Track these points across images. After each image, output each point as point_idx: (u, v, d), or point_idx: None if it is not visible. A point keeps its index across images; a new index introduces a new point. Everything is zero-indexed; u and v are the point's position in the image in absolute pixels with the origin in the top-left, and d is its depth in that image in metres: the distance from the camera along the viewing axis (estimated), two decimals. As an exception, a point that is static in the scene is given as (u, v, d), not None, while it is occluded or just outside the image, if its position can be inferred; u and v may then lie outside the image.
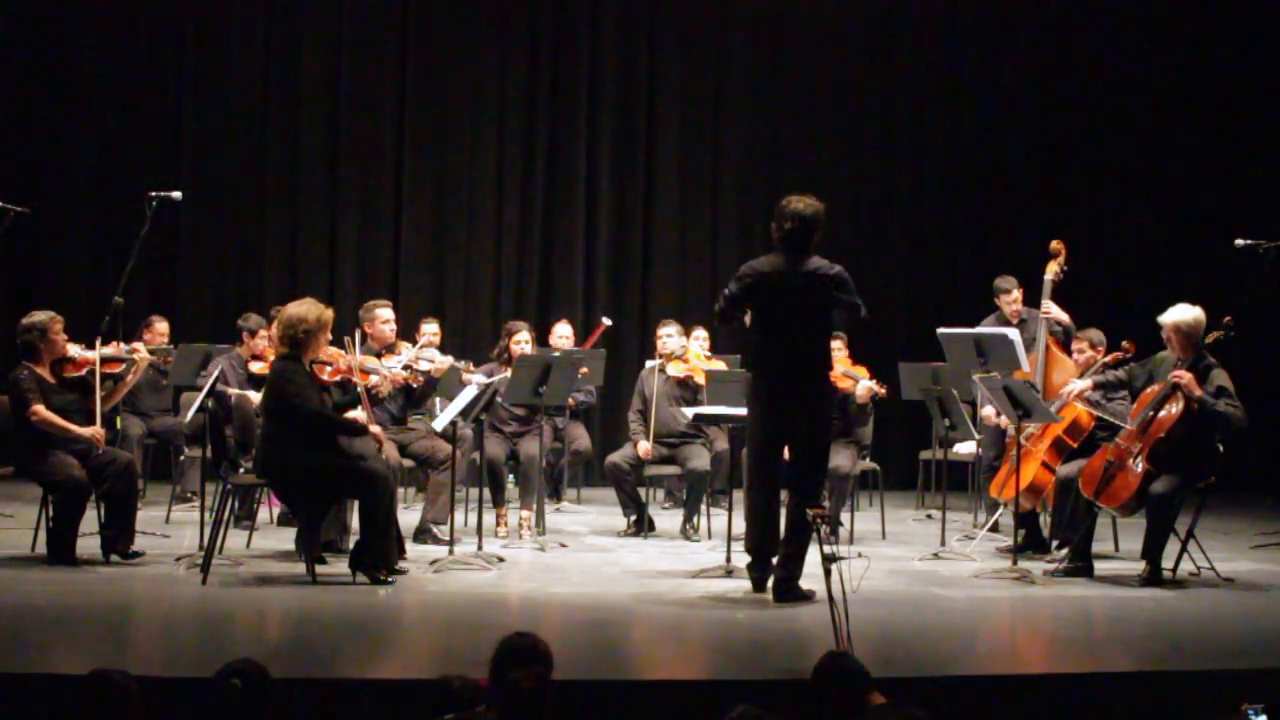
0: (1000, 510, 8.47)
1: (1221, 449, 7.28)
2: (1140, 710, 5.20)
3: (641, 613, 6.45)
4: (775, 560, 6.60)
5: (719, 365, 8.93)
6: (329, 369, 7.51)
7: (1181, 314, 7.26)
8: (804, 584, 6.52)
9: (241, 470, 7.39)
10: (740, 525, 6.98)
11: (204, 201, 11.02)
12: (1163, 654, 5.93)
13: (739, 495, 7.28)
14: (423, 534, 7.96)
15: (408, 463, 8.17)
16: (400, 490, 8.52)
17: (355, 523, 7.13)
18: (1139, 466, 7.17)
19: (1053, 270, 8.47)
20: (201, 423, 7.63)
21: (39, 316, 7.21)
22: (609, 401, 10.99)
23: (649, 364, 9.29)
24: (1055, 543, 7.79)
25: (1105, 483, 7.23)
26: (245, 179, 11.48)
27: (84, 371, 7.27)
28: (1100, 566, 7.41)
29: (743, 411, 7.08)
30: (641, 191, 11.84)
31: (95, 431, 7.09)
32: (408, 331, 8.90)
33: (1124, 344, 7.84)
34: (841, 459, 8.28)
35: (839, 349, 8.59)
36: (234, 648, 5.46)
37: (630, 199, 11.83)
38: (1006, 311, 8.92)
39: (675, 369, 8.92)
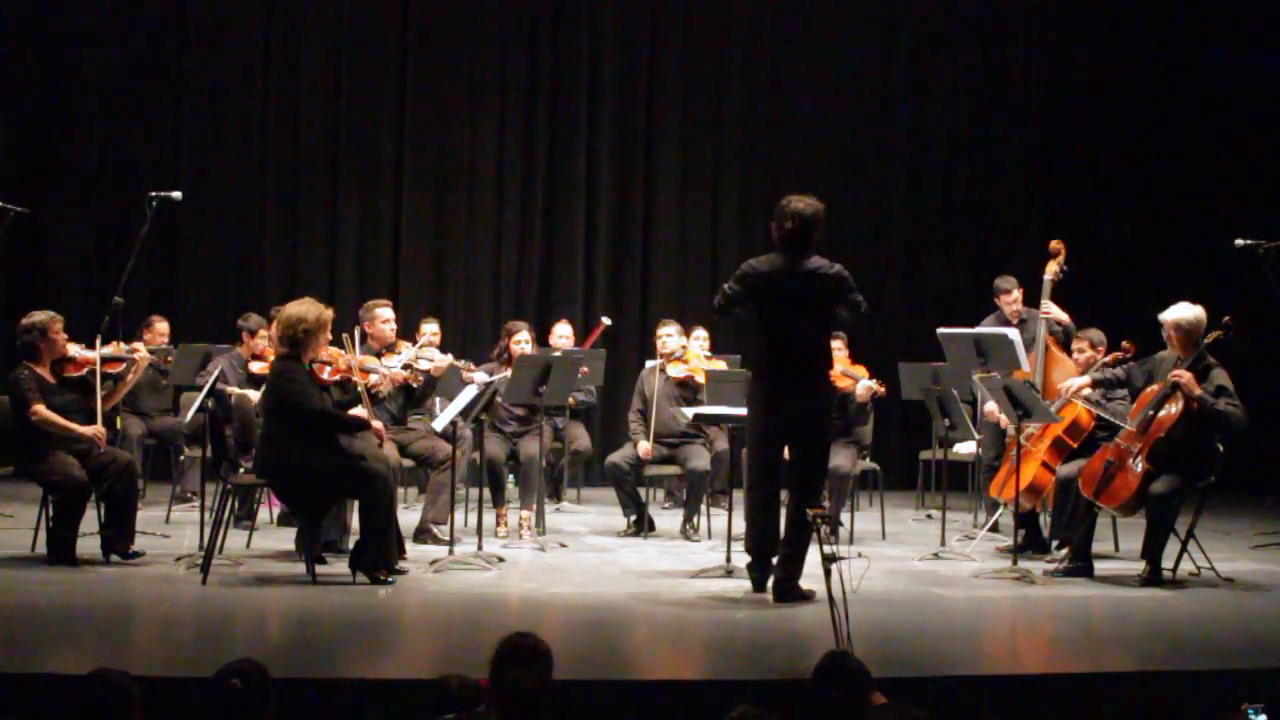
0: (1000, 510, 8.46)
1: (1221, 449, 7.28)
2: (1140, 710, 5.18)
3: (641, 613, 6.45)
4: (775, 560, 6.60)
5: (719, 365, 8.94)
6: (329, 369, 7.50)
7: (1182, 312, 7.26)
8: (804, 584, 6.51)
9: (241, 470, 7.38)
10: (740, 525, 6.97)
11: (204, 201, 11.03)
12: (1163, 654, 5.91)
13: (739, 495, 7.27)
14: (423, 534, 7.95)
15: (408, 463, 8.17)
16: (400, 490, 8.52)
17: (355, 523, 7.13)
18: (1139, 466, 7.17)
19: (1052, 270, 8.47)
20: (201, 423, 7.63)
21: (39, 316, 7.20)
22: (609, 401, 10.99)
23: (649, 364, 9.29)
24: (1055, 543, 7.80)
25: (1105, 482, 7.23)
26: (245, 179, 11.47)
27: (84, 371, 7.26)
28: (1100, 566, 7.40)
29: (743, 411, 7.06)
30: (641, 191, 11.84)
31: (97, 430, 7.09)
32: (408, 331, 8.89)
33: (1124, 344, 7.83)
34: (841, 459, 8.27)
35: (839, 348, 8.59)
36: (234, 648, 5.46)
37: (630, 199, 11.83)
38: (1006, 311, 8.92)
39: (675, 369, 8.91)
